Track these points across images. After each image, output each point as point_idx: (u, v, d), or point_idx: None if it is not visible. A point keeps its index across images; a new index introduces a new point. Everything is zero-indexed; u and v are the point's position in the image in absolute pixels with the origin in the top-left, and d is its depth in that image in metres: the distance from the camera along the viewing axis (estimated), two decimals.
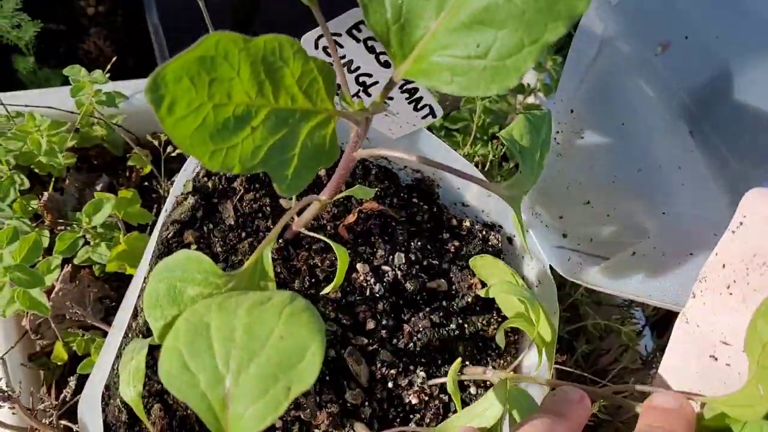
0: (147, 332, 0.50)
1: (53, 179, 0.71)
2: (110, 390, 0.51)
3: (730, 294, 0.48)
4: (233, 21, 1.18)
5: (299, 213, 0.55)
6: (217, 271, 0.41)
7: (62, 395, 0.57)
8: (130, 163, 0.72)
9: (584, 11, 0.38)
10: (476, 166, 0.76)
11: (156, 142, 0.71)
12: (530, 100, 0.99)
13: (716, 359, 0.49)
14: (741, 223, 0.48)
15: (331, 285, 0.51)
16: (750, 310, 0.47)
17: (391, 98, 0.59)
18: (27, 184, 0.68)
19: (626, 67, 0.69)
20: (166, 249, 0.53)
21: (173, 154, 0.71)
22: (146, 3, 1.12)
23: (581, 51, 0.67)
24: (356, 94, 0.58)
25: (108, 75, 0.71)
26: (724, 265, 0.49)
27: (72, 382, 0.57)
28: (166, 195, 0.73)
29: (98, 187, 0.75)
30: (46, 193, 0.68)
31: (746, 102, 0.69)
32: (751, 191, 0.49)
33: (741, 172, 0.71)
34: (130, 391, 0.42)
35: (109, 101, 0.72)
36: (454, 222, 0.64)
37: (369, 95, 0.58)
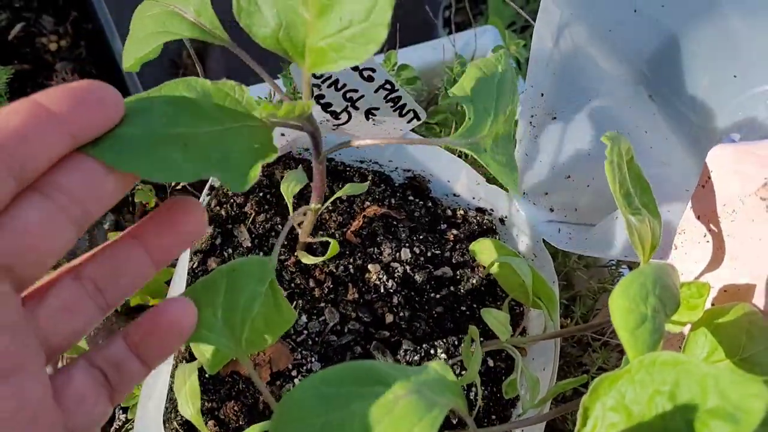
0: (190, 357, 0.54)
1: None
2: (164, 415, 0.55)
3: (708, 242, 0.54)
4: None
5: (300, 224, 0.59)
6: None
7: (113, 429, 0.61)
8: (136, 199, 0.76)
9: None
10: (460, 156, 0.81)
11: None
12: None
13: None
14: (709, 178, 0.54)
15: (321, 258, 0.55)
16: (726, 255, 0.53)
17: (377, 108, 0.63)
18: None
19: (586, 45, 0.74)
20: (194, 279, 0.57)
21: (177, 188, 0.74)
22: (107, 31, 1.14)
23: (543, 36, 0.72)
24: (344, 110, 0.62)
25: None
26: (698, 217, 0.54)
27: (120, 415, 0.61)
28: None
29: (106, 226, 0.79)
30: None
31: (696, 60, 0.75)
32: (715, 148, 0.55)
33: (701, 128, 0.77)
34: (190, 408, 0.47)
35: None
36: (449, 212, 0.69)
37: (357, 109, 0.62)
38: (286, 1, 0.42)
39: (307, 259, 0.59)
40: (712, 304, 0.54)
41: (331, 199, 0.59)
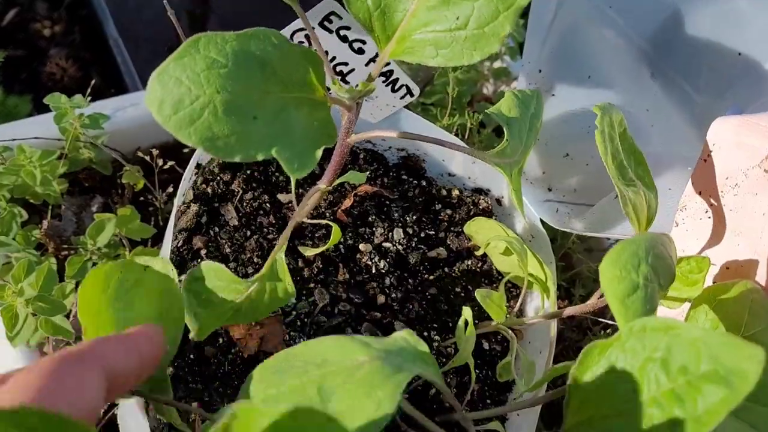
0: None
1: (49, 207, 0.73)
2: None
3: (709, 218, 0.52)
4: (190, 25, 1.18)
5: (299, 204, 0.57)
6: (236, 278, 0.45)
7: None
8: (123, 180, 0.74)
9: None
10: (456, 135, 0.79)
11: (147, 157, 0.73)
12: (497, 64, 1.02)
13: None
14: (711, 152, 0.52)
15: (323, 247, 0.54)
16: (728, 230, 0.51)
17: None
18: (25, 215, 0.70)
19: (584, 22, 0.72)
20: (179, 258, 0.55)
21: (165, 167, 0.73)
22: (101, 16, 1.13)
23: (541, 13, 0.70)
24: (351, 71, 0.60)
25: (89, 99, 0.73)
26: (700, 192, 0.53)
27: None
28: (162, 207, 0.75)
29: (94, 208, 0.77)
30: (45, 222, 0.70)
31: (699, 38, 0.73)
32: (716, 120, 0.53)
33: (705, 105, 0.75)
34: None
35: (93, 124, 0.73)
36: (444, 192, 0.67)
37: (347, 83, 0.60)
38: None
39: (309, 251, 0.57)
40: (714, 282, 0.52)
41: (335, 183, 0.57)
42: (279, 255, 0.48)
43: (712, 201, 0.51)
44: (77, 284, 0.66)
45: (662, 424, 0.32)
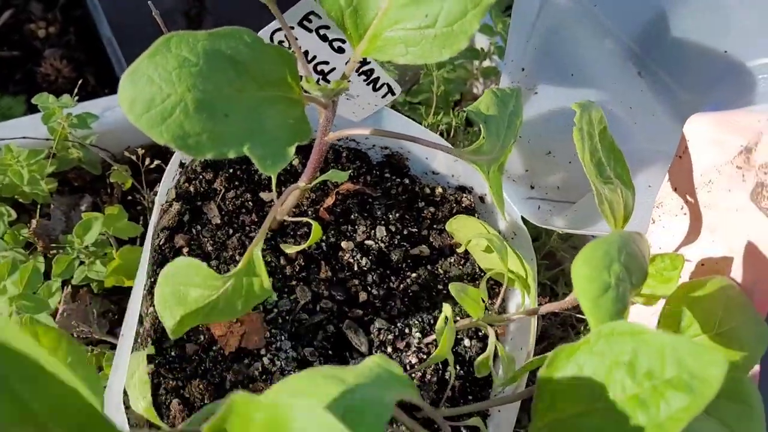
0: (155, 335, 0.53)
1: (38, 206, 0.73)
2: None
3: (685, 215, 0.52)
4: (186, 26, 1.19)
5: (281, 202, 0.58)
6: (213, 274, 0.45)
7: None
8: (111, 179, 0.75)
9: None
10: (441, 134, 0.80)
11: (134, 157, 0.74)
12: (486, 63, 1.02)
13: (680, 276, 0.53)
14: (686, 148, 0.52)
15: (304, 245, 0.54)
16: (703, 227, 0.51)
17: (350, 82, 0.62)
18: (14, 215, 0.70)
19: (569, 20, 0.72)
20: (160, 256, 0.56)
21: (152, 166, 0.73)
22: (96, 17, 1.13)
23: (524, 11, 0.70)
24: (316, 82, 0.61)
25: (77, 98, 0.73)
26: (676, 189, 0.53)
27: None
28: (150, 206, 0.76)
29: (83, 208, 0.78)
30: (34, 221, 0.71)
31: (687, 36, 0.73)
32: (692, 117, 0.53)
33: (691, 103, 0.75)
34: (142, 402, 0.46)
35: (81, 123, 0.74)
36: (427, 190, 0.68)
37: (328, 81, 0.61)
38: None
39: (290, 249, 0.57)
40: (690, 278, 0.52)
41: (315, 182, 0.57)
42: (256, 251, 0.49)
43: (688, 198, 0.52)
44: (64, 282, 0.67)
45: (626, 429, 0.33)
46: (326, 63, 0.59)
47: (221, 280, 0.47)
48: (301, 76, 0.46)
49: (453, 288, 0.51)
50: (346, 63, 0.59)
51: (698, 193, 0.50)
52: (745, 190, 0.46)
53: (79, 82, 0.82)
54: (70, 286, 0.69)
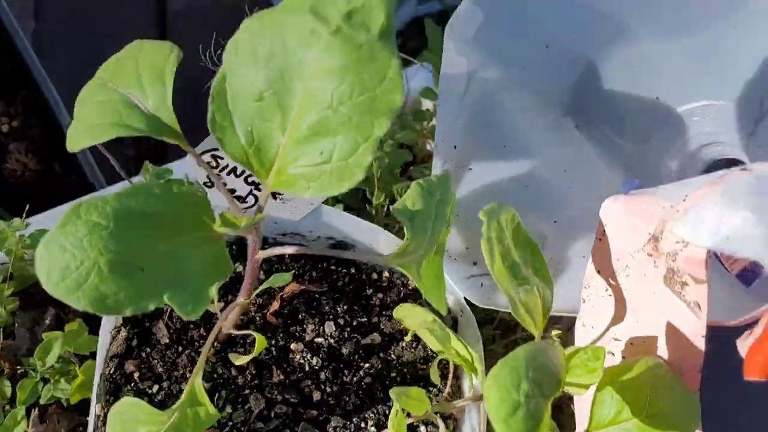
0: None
1: (1, 328, 0.75)
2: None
3: (610, 296, 0.54)
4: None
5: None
6: (156, 411, 0.47)
7: None
8: None
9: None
10: (388, 210, 0.81)
11: None
12: (434, 122, 1.04)
13: (613, 354, 0.54)
14: (604, 231, 0.53)
15: (251, 355, 0.56)
16: (628, 308, 0.53)
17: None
18: None
19: (498, 90, 0.74)
20: (111, 385, 0.57)
21: None
22: (55, 109, 1.15)
23: (450, 89, 0.71)
24: (249, 194, 0.63)
25: (26, 219, 0.75)
26: (599, 271, 0.54)
27: None
28: None
29: (47, 321, 0.79)
30: None
31: (618, 87, 0.75)
32: (608, 199, 0.55)
33: (633, 151, 0.77)
34: None
35: (35, 242, 0.75)
36: (375, 276, 0.69)
37: (260, 190, 0.62)
38: (263, 123, 0.45)
39: (239, 360, 0.58)
40: (623, 356, 0.54)
41: (257, 291, 0.59)
42: (196, 381, 0.50)
43: (610, 280, 0.53)
44: (29, 409, 0.68)
45: None
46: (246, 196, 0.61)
47: (166, 415, 0.48)
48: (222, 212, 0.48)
49: (393, 393, 0.53)
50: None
51: (618, 277, 0.52)
52: (659, 275, 0.47)
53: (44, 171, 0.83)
54: (37, 408, 0.70)
